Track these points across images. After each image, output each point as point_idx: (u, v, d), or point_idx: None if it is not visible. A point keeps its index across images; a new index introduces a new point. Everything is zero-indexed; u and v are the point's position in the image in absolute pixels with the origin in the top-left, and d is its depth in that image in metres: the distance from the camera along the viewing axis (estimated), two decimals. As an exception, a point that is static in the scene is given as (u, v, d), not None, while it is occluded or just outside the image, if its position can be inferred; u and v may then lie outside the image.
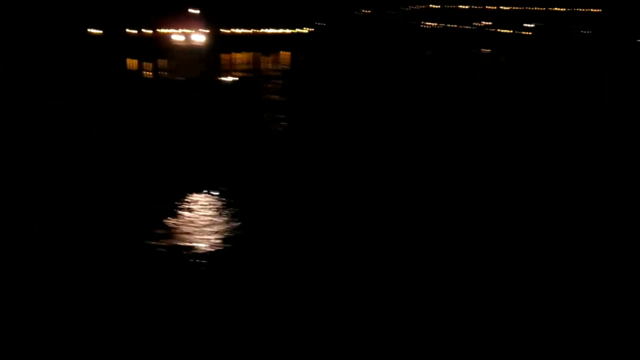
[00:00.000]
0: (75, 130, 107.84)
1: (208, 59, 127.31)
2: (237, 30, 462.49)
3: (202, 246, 58.35)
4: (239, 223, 64.04)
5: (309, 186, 77.41)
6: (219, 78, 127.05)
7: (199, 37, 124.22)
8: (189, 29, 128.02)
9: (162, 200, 72.07)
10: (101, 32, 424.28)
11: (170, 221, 64.96)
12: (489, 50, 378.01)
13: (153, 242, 60.21)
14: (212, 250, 57.56)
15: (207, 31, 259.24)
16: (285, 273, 52.74)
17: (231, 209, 68.81)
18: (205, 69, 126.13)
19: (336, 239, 60.33)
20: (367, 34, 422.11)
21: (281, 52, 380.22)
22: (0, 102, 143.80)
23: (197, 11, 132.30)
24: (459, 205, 72.23)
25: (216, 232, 61.05)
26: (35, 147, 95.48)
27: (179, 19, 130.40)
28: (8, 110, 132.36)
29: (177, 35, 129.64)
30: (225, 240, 59.11)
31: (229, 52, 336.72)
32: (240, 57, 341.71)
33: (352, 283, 52.13)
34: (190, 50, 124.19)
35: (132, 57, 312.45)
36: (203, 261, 55.31)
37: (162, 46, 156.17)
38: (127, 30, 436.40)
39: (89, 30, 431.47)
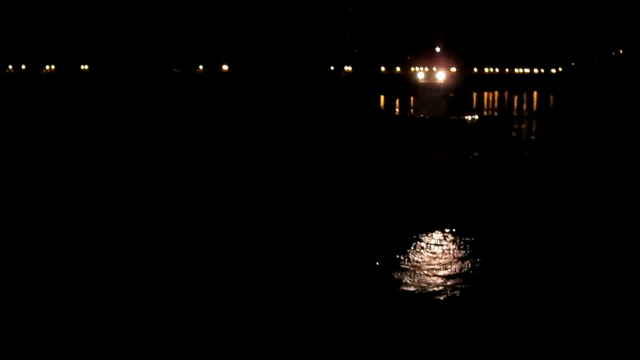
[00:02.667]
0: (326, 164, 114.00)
1: (453, 98, 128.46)
2: (487, 69, 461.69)
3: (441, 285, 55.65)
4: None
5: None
6: (463, 117, 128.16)
7: (444, 76, 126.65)
8: (437, 67, 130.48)
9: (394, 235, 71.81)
10: (352, 69, 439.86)
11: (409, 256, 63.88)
12: None
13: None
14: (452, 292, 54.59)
15: (455, 70, 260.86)
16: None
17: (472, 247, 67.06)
18: (449, 108, 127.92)
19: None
20: (621, 76, 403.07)
21: (529, 91, 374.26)
22: (255, 136, 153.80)
23: (447, 50, 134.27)
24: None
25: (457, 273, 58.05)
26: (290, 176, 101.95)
27: (428, 57, 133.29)
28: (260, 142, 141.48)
29: (422, 74, 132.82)
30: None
31: (476, 90, 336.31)
32: (487, 96, 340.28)
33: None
34: (434, 89, 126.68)
35: (383, 94, 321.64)
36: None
37: (409, 84, 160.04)
38: (380, 68, 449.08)
39: (345, 68, 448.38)
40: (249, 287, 53.41)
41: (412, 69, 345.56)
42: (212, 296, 51.57)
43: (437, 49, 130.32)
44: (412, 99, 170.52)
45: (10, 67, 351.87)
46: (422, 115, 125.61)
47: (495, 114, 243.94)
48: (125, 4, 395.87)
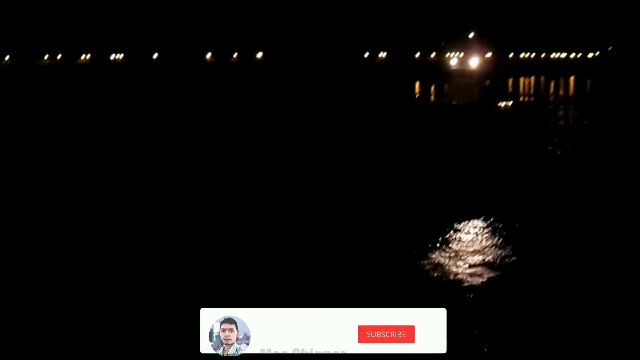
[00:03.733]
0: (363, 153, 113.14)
1: (486, 84, 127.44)
2: (522, 55, 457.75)
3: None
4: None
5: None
6: (498, 103, 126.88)
7: (477, 62, 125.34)
8: (470, 53, 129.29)
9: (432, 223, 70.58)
10: (386, 55, 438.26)
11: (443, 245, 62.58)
12: None
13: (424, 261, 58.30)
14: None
15: (491, 55, 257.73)
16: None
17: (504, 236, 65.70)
18: (482, 94, 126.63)
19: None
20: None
21: (566, 77, 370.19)
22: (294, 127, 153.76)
23: (482, 36, 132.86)
24: None
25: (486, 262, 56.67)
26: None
27: (463, 43, 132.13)
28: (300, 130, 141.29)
29: (455, 60, 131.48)
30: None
31: (512, 76, 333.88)
32: (523, 82, 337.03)
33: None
34: (467, 75, 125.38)
35: (418, 81, 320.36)
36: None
37: (442, 70, 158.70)
38: (415, 54, 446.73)
39: (379, 55, 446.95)
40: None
41: (447, 55, 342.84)
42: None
43: (472, 35, 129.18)
44: (445, 85, 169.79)
45: (46, 56, 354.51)
46: (455, 102, 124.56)
47: (531, 99, 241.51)
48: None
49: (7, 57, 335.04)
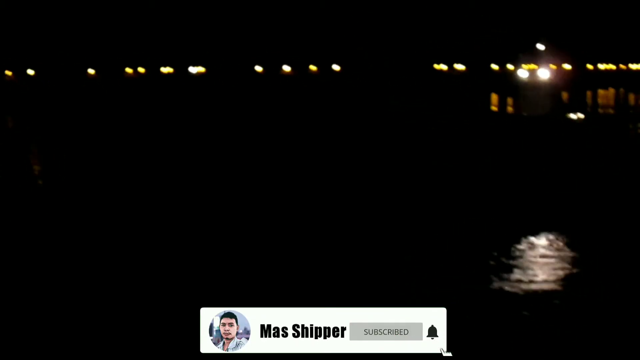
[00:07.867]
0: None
1: (562, 96, 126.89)
2: (600, 65, 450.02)
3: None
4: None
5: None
6: (570, 116, 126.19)
7: (549, 73, 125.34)
8: (546, 64, 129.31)
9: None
10: (465, 68, 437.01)
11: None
12: None
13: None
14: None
15: (570, 67, 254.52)
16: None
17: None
18: (555, 106, 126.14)
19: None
20: None
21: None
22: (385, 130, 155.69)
23: (558, 46, 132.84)
24: None
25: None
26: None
27: (540, 54, 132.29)
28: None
29: (526, 72, 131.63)
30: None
31: (589, 88, 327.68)
32: (601, 94, 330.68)
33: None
34: (538, 87, 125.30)
35: (495, 93, 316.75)
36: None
37: (514, 82, 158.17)
38: (491, 65, 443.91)
39: (455, 65, 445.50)
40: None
41: (524, 66, 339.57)
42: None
43: (548, 46, 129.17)
44: (520, 97, 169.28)
45: (128, 69, 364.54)
46: (526, 114, 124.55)
47: (609, 112, 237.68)
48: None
49: (91, 70, 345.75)
